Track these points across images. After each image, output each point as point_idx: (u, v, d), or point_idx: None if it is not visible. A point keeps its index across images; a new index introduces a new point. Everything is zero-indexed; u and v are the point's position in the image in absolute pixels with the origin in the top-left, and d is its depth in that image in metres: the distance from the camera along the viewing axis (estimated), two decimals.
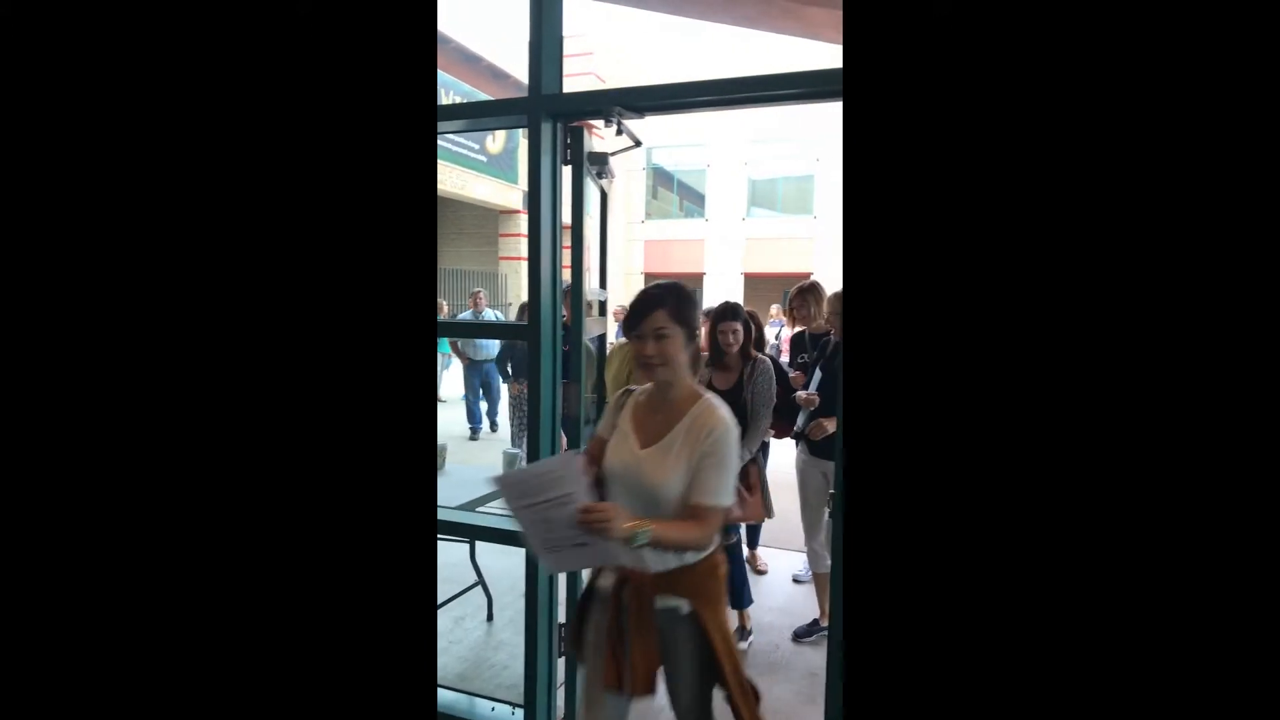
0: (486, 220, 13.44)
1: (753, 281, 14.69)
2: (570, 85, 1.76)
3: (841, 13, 0.66)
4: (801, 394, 2.67)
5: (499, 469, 2.88)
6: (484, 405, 6.58)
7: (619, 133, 1.75)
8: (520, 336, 1.74)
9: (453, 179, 11.01)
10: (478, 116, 2.12)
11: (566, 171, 1.76)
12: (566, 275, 1.84)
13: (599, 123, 1.73)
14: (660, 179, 16.13)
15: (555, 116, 1.68)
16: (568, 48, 1.76)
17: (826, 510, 2.56)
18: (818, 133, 12.89)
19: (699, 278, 14.95)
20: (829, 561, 2.41)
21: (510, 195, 12.42)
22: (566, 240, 1.79)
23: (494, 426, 6.63)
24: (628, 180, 15.27)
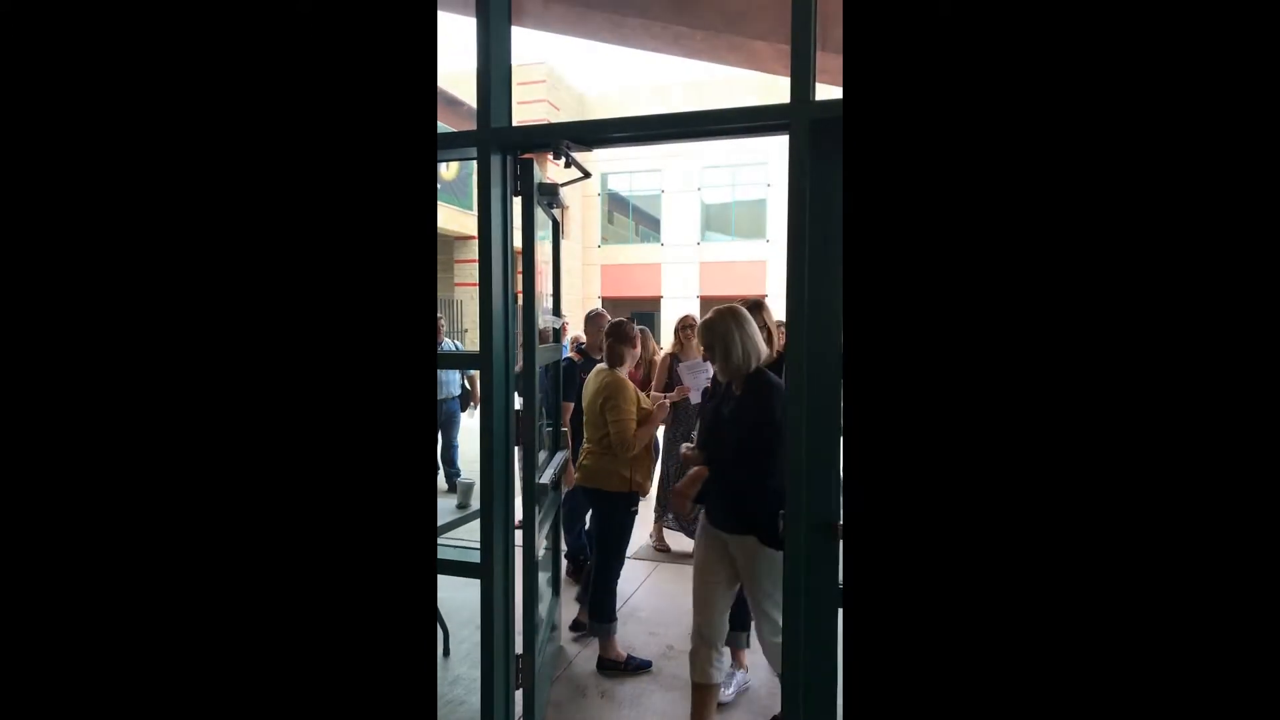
0: (441, 247, 13.34)
1: (709, 304, 14.85)
2: (524, 114, 1.79)
3: (785, 47, 0.67)
4: (685, 447, 2.09)
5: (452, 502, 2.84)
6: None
7: (568, 165, 1.77)
8: (473, 365, 1.74)
9: None
10: None
11: (517, 202, 1.77)
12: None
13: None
14: (615, 204, 16.27)
15: (505, 149, 1.70)
16: (519, 76, 1.79)
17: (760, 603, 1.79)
18: (769, 158, 13.25)
19: (656, 301, 15.06)
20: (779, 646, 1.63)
21: (465, 221, 12.34)
22: (521, 268, 1.80)
23: (450, 481, 4.85)
24: (584, 206, 15.36)
